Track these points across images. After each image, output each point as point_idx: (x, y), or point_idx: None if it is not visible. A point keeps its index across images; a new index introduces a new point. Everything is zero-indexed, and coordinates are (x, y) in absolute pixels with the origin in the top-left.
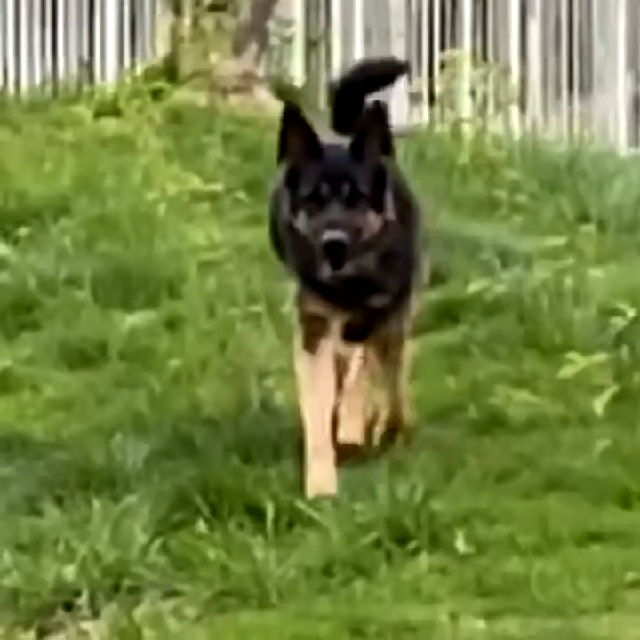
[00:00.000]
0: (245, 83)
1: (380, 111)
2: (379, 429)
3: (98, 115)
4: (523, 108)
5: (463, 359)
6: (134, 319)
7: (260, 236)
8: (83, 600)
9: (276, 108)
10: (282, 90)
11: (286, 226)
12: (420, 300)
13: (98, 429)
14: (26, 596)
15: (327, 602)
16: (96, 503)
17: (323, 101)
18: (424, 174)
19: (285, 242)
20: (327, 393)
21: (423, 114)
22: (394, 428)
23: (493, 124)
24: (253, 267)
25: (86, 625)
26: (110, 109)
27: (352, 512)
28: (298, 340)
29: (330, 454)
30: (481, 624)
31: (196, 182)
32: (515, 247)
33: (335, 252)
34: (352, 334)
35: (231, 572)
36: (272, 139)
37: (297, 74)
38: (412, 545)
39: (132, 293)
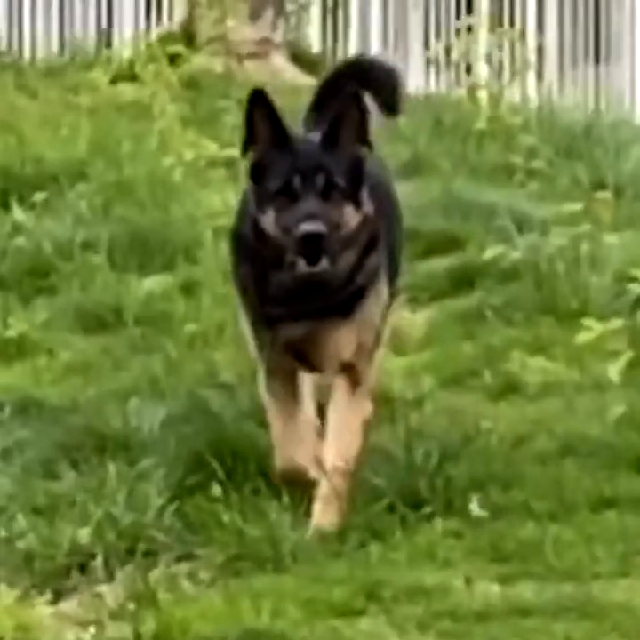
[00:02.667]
0: (262, 48)
1: (357, 97)
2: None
3: (114, 80)
4: (539, 76)
5: (479, 325)
6: (150, 284)
7: None
8: (98, 563)
9: (292, 74)
10: (298, 56)
11: (249, 228)
12: (393, 315)
13: (114, 394)
14: (41, 559)
15: (342, 566)
16: (112, 467)
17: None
18: (441, 140)
19: (239, 254)
20: (295, 416)
21: (440, 79)
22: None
23: (510, 92)
24: None
25: (101, 588)
26: (127, 75)
27: (367, 476)
28: (258, 366)
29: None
30: (496, 589)
31: (212, 148)
32: (531, 213)
33: (312, 246)
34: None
35: (246, 536)
36: (288, 105)
37: (313, 40)
38: (426, 509)
39: (149, 258)
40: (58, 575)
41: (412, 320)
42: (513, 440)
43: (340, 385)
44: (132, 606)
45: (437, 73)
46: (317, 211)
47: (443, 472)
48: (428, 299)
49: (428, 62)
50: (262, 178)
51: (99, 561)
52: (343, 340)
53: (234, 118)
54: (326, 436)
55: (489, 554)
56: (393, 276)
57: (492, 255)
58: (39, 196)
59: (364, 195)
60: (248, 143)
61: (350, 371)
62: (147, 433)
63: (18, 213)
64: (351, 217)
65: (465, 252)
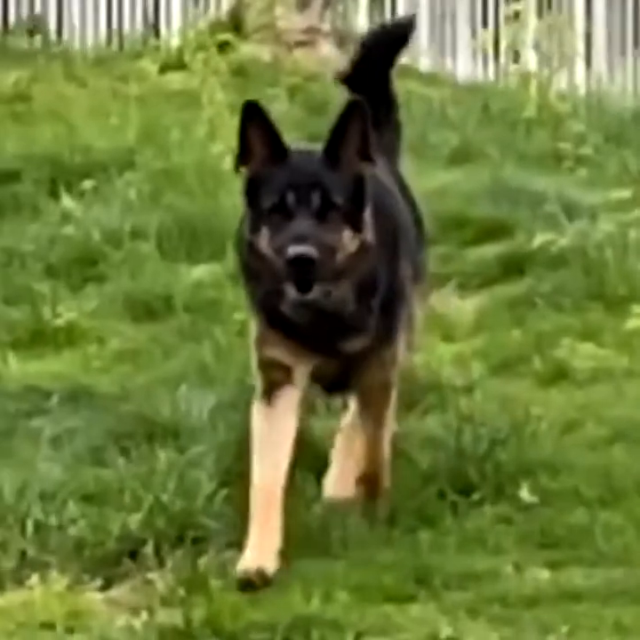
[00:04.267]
0: (310, 37)
1: (360, 109)
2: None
3: (163, 69)
4: (588, 63)
5: (528, 311)
6: (199, 272)
7: None
8: (148, 550)
9: (340, 62)
10: (346, 44)
11: (246, 246)
12: (411, 344)
13: (163, 381)
14: (92, 546)
15: (392, 551)
16: (161, 454)
17: None
18: (489, 127)
19: (245, 268)
20: (280, 454)
21: (488, 67)
22: (369, 490)
23: (558, 79)
24: None
25: (151, 574)
26: (175, 64)
27: (417, 462)
28: (256, 389)
29: (273, 529)
30: (545, 574)
31: None
32: (580, 200)
33: (302, 270)
34: (329, 384)
35: (295, 522)
36: (337, 93)
37: (361, 28)
38: (476, 495)
39: (197, 246)
40: (108, 562)
41: (462, 307)
42: (562, 426)
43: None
44: (182, 593)
45: (485, 61)
46: (309, 232)
47: (492, 458)
48: (477, 285)
49: (475, 50)
50: (257, 196)
51: (149, 547)
52: (372, 371)
53: (282, 106)
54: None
55: (539, 539)
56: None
57: (541, 242)
58: (88, 185)
59: (366, 218)
60: (242, 160)
61: (380, 386)
62: (196, 420)
63: (67, 202)
64: (348, 241)
65: (514, 239)
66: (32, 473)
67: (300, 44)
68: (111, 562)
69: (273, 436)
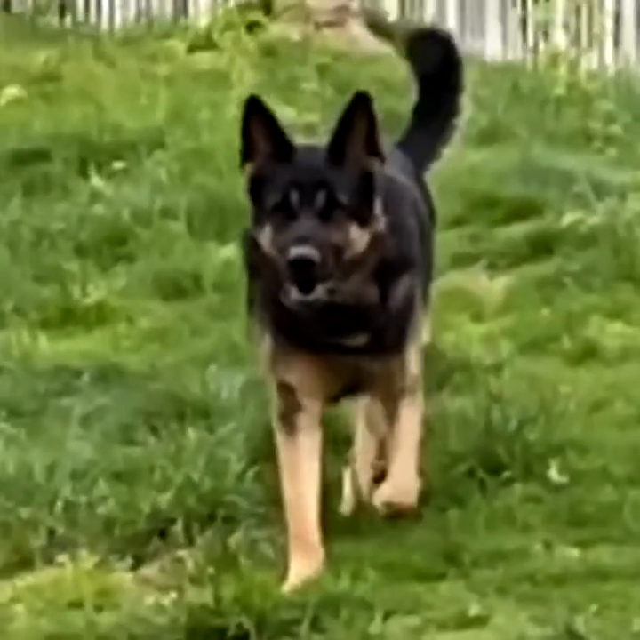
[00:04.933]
0: (339, 16)
1: (367, 101)
2: (377, 501)
3: (192, 49)
4: (616, 42)
5: (557, 291)
6: (228, 251)
7: None
8: (178, 528)
9: (369, 42)
10: (375, 24)
11: (251, 247)
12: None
13: (193, 360)
14: (121, 525)
15: (421, 530)
16: (191, 433)
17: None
18: (519, 107)
19: (251, 268)
20: (309, 478)
21: (517, 47)
22: (395, 511)
23: (587, 58)
24: None
25: (181, 553)
26: (204, 43)
27: (446, 442)
28: (274, 410)
29: (312, 549)
30: (575, 553)
31: (290, 114)
32: (609, 179)
33: (303, 272)
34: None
35: (325, 501)
36: (366, 73)
37: (390, 8)
38: (505, 474)
39: (227, 225)
40: (138, 540)
41: (491, 286)
42: (591, 405)
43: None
44: (211, 571)
45: (514, 40)
46: (312, 233)
47: (521, 437)
48: (506, 265)
49: (505, 29)
50: (261, 194)
51: (179, 526)
52: (393, 369)
53: (312, 85)
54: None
55: (567, 518)
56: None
57: (571, 221)
58: (117, 165)
59: (375, 212)
60: (245, 157)
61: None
62: (226, 399)
63: (96, 181)
64: (357, 238)
65: (543, 218)
66: (62, 452)
67: (329, 23)
68: (141, 540)
69: (296, 462)
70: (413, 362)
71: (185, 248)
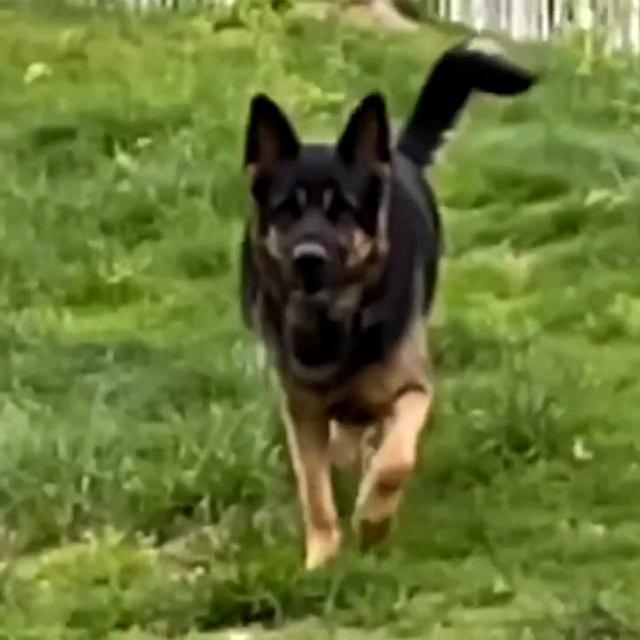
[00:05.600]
0: None
1: (378, 103)
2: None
3: (217, 27)
4: None
5: (583, 269)
6: None
7: None
8: (203, 505)
9: (395, 21)
10: (401, 3)
11: (254, 251)
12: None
13: (218, 338)
14: (147, 501)
15: (446, 508)
16: (216, 410)
17: (441, 16)
18: (544, 86)
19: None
20: (319, 459)
21: (543, 26)
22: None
23: (613, 37)
24: None
25: (206, 530)
26: (230, 21)
27: (471, 419)
28: (280, 396)
29: (328, 526)
30: (599, 530)
31: (315, 92)
32: (634, 158)
33: (310, 271)
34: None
35: (348, 478)
36: (392, 51)
37: None
38: (530, 452)
39: None
40: (163, 517)
41: (517, 264)
42: (616, 383)
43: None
44: (236, 548)
45: (540, 19)
46: (319, 231)
47: (547, 415)
48: (532, 243)
49: (529, 8)
50: (265, 195)
51: (204, 503)
52: (390, 382)
53: (338, 62)
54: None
55: (593, 496)
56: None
57: (596, 199)
58: (143, 142)
59: (381, 222)
60: (249, 157)
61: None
62: (251, 376)
63: (122, 159)
64: (360, 244)
65: (569, 196)
66: (87, 429)
67: (356, 1)
68: (166, 517)
69: (306, 444)
70: (407, 371)
71: (210, 226)
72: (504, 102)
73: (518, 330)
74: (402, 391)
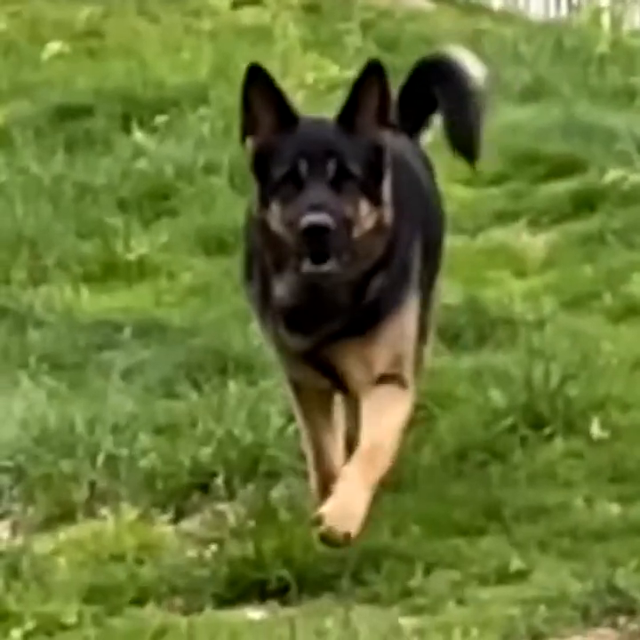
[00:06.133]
0: None
1: (378, 70)
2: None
3: (235, 4)
4: None
5: (600, 248)
6: None
7: None
8: (219, 482)
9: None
10: None
11: (256, 226)
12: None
13: (234, 315)
14: (163, 478)
15: (462, 485)
16: (233, 387)
17: None
18: (562, 64)
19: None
20: (323, 428)
21: (560, 5)
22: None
23: (631, 15)
24: None
25: (222, 506)
26: None
27: (488, 397)
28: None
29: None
30: (615, 508)
31: (333, 70)
32: None
33: (317, 241)
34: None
35: None
36: (410, 29)
37: None
38: (547, 430)
39: None
40: (179, 494)
41: (533, 243)
42: (633, 361)
43: (378, 387)
44: (252, 525)
45: None
46: (325, 201)
47: (563, 393)
48: (549, 222)
49: None
50: (265, 169)
51: (220, 480)
52: (374, 356)
53: (355, 40)
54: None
55: (609, 474)
56: (430, 274)
57: (613, 178)
58: (160, 120)
59: (385, 191)
60: (246, 131)
61: (389, 379)
62: (267, 354)
63: (139, 136)
64: (366, 214)
65: (586, 175)
66: (103, 405)
67: None
68: (182, 494)
69: (307, 411)
70: (393, 346)
71: (227, 203)
72: (523, 81)
73: (535, 308)
74: (383, 378)
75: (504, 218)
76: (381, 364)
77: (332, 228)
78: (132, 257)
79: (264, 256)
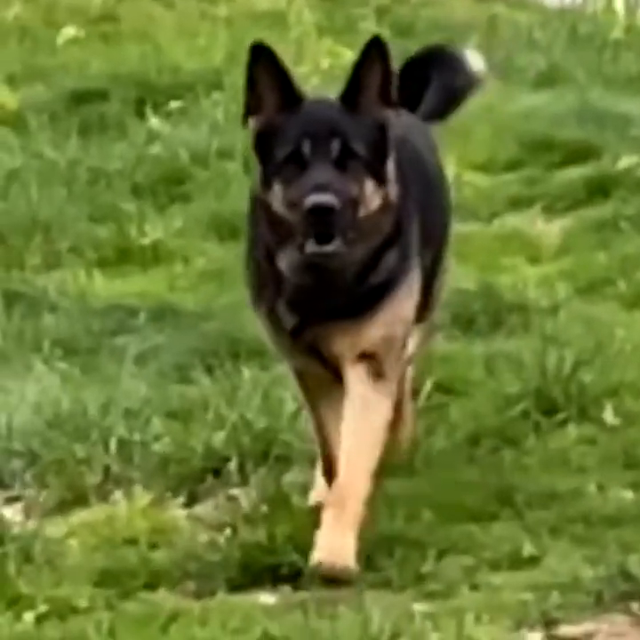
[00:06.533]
0: None
1: (381, 47)
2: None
3: None
4: None
5: (613, 234)
6: None
7: None
8: (232, 467)
9: None
10: None
11: (259, 206)
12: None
13: None
14: (176, 463)
15: (475, 471)
16: (246, 372)
17: None
18: (576, 50)
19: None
20: (327, 411)
21: None
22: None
23: None
24: None
25: (235, 491)
26: None
27: (501, 383)
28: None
29: None
30: (628, 494)
31: (348, 56)
32: None
33: (322, 220)
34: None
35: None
36: (425, 15)
37: None
38: (560, 416)
39: None
40: (192, 478)
41: (548, 229)
42: None
43: (358, 377)
44: (265, 510)
45: None
46: (329, 180)
47: (577, 379)
48: (563, 208)
49: None
50: (268, 149)
51: (233, 465)
52: (363, 332)
53: (370, 25)
54: (342, 448)
55: (622, 460)
56: (433, 263)
57: (627, 165)
58: (175, 105)
59: (390, 170)
60: (250, 110)
61: (371, 360)
62: None
63: (154, 121)
64: (371, 193)
65: (600, 161)
66: (117, 390)
67: None
68: (195, 479)
69: (309, 398)
70: (384, 327)
71: (241, 189)
72: (537, 67)
73: (549, 294)
74: (364, 358)
75: (519, 204)
76: (367, 342)
77: (336, 208)
78: (146, 242)
79: (265, 237)
